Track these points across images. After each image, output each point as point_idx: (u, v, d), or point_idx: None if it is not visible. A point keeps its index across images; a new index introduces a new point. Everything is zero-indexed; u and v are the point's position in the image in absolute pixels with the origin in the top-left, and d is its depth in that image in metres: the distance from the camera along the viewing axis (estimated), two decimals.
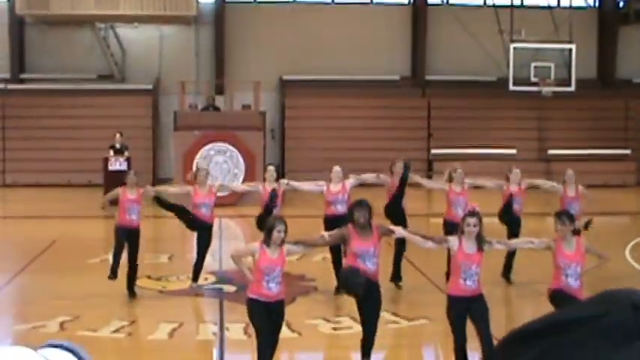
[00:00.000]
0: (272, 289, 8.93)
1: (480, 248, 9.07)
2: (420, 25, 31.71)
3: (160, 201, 13.74)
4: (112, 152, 23.40)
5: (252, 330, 9.23)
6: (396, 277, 13.73)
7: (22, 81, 30.70)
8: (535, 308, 12.00)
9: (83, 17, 29.17)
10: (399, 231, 10.20)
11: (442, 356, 10.21)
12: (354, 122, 29.79)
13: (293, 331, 10.90)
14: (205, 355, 10.91)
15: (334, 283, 12.69)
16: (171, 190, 15.64)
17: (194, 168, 19.43)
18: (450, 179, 13.96)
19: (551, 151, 30.41)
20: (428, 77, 31.74)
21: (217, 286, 13.95)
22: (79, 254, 16.53)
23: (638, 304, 1.08)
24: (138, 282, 13.41)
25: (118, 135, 23.74)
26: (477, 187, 14.45)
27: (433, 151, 30.33)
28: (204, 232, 13.71)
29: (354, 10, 31.48)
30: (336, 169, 13.81)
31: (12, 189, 28.24)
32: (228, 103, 28.10)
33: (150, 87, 30.26)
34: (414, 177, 14.48)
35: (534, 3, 30.91)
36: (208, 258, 14.07)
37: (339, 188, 13.67)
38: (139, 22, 30.22)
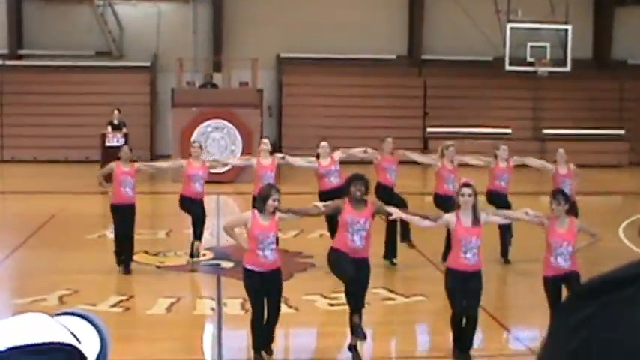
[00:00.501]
0: (267, 257, 9.02)
1: (477, 221, 9.19)
2: (417, 4, 31.73)
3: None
4: (109, 129, 23.40)
5: (249, 305, 9.33)
6: (390, 253, 13.90)
7: (20, 57, 30.72)
8: (528, 286, 12.14)
9: None
10: (396, 212, 10.13)
11: (438, 332, 10.31)
12: (351, 100, 29.87)
13: (290, 306, 11.03)
14: (203, 330, 10.99)
15: None
16: (164, 165, 15.78)
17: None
18: (442, 155, 14.10)
19: (546, 131, 30.54)
20: (424, 56, 31.80)
21: (215, 262, 14.06)
22: (77, 230, 16.68)
23: None
24: (135, 257, 13.52)
25: (116, 111, 23.80)
26: (464, 165, 14.48)
27: (429, 129, 30.45)
28: (194, 206, 13.73)
29: None
30: (323, 144, 14.30)
31: (10, 165, 28.34)
32: (225, 80, 28.11)
33: (148, 64, 30.30)
34: (406, 154, 14.65)
35: None
36: (206, 234, 14.19)
37: (328, 161, 14.06)
38: None
